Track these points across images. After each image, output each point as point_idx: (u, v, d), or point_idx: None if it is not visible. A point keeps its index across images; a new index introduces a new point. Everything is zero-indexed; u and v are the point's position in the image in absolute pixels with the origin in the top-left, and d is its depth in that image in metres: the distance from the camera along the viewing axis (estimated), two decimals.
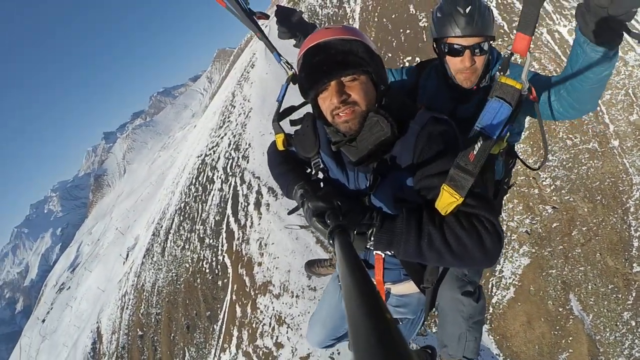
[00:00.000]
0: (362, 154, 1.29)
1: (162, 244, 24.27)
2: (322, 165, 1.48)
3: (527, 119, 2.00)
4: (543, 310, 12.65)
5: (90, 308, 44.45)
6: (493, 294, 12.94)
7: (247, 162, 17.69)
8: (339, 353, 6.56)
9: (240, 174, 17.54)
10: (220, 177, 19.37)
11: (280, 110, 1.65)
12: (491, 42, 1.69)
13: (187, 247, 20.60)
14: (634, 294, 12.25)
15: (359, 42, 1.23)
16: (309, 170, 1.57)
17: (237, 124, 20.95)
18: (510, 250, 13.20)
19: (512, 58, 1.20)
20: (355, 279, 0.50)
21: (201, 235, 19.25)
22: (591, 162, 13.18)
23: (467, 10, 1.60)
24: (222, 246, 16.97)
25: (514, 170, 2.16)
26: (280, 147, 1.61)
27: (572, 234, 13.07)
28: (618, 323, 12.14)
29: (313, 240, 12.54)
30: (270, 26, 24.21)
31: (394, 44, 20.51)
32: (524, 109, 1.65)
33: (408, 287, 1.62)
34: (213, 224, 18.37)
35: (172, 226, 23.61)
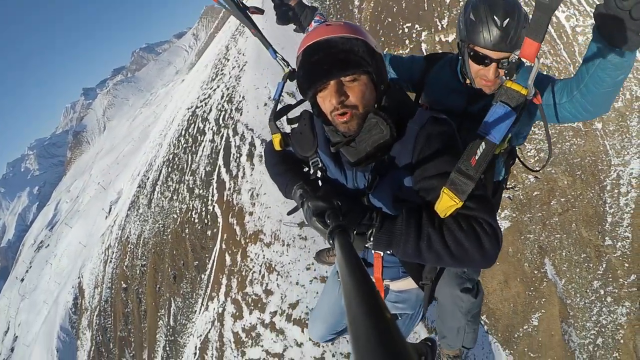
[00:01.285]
0: (361, 155, 1.28)
1: (149, 195, 24.02)
2: (320, 164, 1.46)
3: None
4: (520, 271, 13.26)
5: (71, 264, 44.19)
6: None
7: (241, 114, 17.40)
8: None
9: (233, 126, 17.28)
10: (211, 129, 19.04)
11: (277, 109, 1.60)
12: None
13: (175, 198, 20.44)
14: (604, 265, 12.90)
15: (360, 40, 1.19)
16: (307, 169, 1.56)
17: (230, 77, 20.49)
18: (502, 237, 13.75)
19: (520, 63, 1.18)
20: (355, 279, 0.50)
21: (190, 186, 19.08)
22: (575, 139, 13.67)
23: (505, 23, 1.50)
24: (213, 196, 16.87)
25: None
26: (277, 147, 1.56)
27: (551, 204, 13.57)
28: (588, 290, 12.83)
29: None
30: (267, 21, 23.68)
31: (395, 9, 20.17)
32: (529, 112, 1.64)
33: (407, 284, 1.63)
34: (203, 174, 18.19)
35: (159, 178, 23.29)
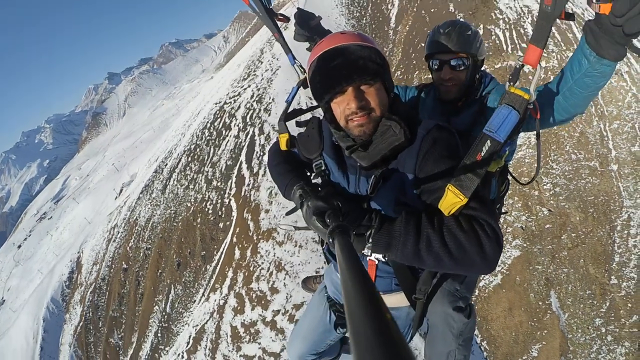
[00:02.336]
0: (375, 159, 1.28)
1: (165, 181, 24.43)
2: (323, 167, 1.47)
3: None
4: (525, 301, 13.39)
5: (73, 238, 44.57)
6: (481, 278, 13.71)
7: (269, 115, 17.83)
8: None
9: (260, 125, 17.70)
10: (237, 125, 19.49)
11: (288, 112, 1.66)
12: (477, 61, 1.86)
13: (191, 187, 20.79)
14: (607, 303, 13.00)
15: (375, 49, 1.24)
16: (309, 173, 1.56)
17: (262, 79, 21.03)
18: (504, 242, 13.93)
19: (523, 69, 1.26)
20: (356, 280, 0.51)
21: (209, 177, 19.43)
22: (590, 178, 14.10)
23: (446, 30, 1.82)
24: (230, 190, 17.16)
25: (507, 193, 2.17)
26: (284, 147, 1.60)
27: (562, 238, 13.80)
28: (590, 327, 12.89)
29: None
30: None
31: (429, 21, 21.10)
32: (526, 124, 1.64)
33: (398, 300, 1.59)
34: (224, 168, 18.54)
35: (178, 166, 23.77)
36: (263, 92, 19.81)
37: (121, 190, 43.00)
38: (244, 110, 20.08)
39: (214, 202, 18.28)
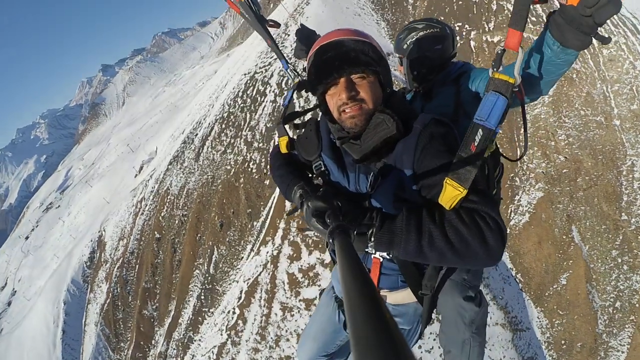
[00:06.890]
0: (366, 152, 1.29)
1: (197, 150, 25.30)
2: (323, 168, 1.48)
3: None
4: (551, 235, 15.40)
5: (91, 219, 44.90)
6: (511, 218, 15.77)
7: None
8: None
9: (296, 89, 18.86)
10: (273, 91, 20.42)
11: (286, 115, 1.71)
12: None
13: (229, 151, 21.66)
14: (620, 237, 15.11)
15: (370, 43, 1.26)
16: (310, 175, 1.58)
17: (292, 49, 22.06)
18: (528, 185, 16.23)
19: (505, 54, 1.21)
20: (356, 280, 0.51)
21: (249, 140, 20.41)
22: (597, 130, 16.39)
23: (402, 37, 2.04)
24: None
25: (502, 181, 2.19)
26: (284, 149, 1.64)
27: (577, 180, 16.05)
28: (607, 257, 14.96)
29: None
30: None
31: (447, 10, 22.36)
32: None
33: (405, 296, 1.56)
34: (263, 130, 19.48)
35: (210, 134, 24.67)
36: (296, 61, 20.78)
37: (141, 168, 43.54)
38: (277, 77, 21.06)
39: (257, 161, 19.29)
